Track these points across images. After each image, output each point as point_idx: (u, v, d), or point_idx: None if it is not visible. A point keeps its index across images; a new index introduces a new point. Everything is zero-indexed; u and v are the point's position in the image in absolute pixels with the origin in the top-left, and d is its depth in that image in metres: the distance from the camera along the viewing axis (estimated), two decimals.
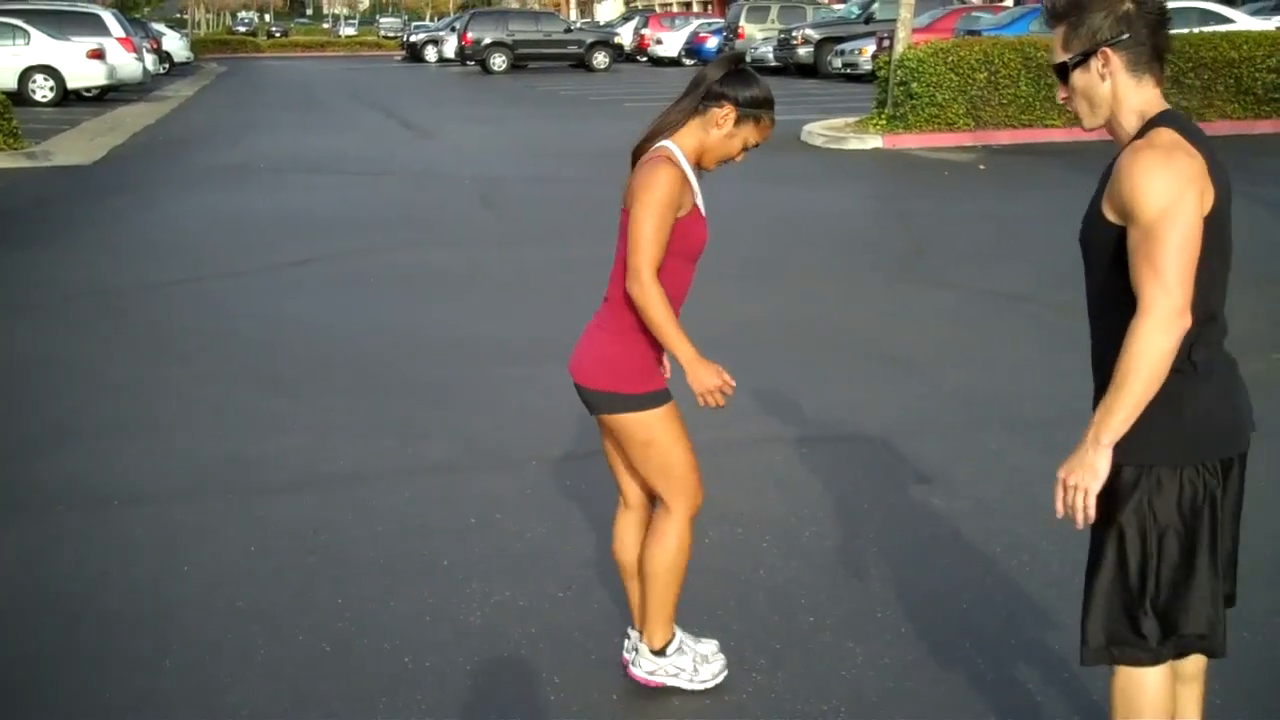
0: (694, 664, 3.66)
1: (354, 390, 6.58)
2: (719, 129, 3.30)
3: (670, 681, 3.65)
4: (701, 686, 3.66)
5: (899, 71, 17.45)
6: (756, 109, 3.30)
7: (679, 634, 3.68)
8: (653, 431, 3.38)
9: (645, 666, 3.66)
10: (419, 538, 4.77)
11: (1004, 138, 17.32)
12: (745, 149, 3.36)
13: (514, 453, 5.60)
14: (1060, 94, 2.79)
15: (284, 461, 5.56)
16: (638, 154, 3.36)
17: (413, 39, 54.78)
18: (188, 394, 6.48)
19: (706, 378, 3.29)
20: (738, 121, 3.30)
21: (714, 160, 3.36)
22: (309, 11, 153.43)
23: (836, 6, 37.88)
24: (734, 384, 3.33)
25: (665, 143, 3.31)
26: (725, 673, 3.71)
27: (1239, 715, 3.58)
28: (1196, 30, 19.15)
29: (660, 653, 3.64)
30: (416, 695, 3.68)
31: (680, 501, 3.49)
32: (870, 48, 28.89)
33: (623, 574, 3.70)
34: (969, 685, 3.71)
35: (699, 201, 3.33)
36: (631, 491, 3.64)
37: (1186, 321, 2.53)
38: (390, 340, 7.59)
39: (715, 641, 3.77)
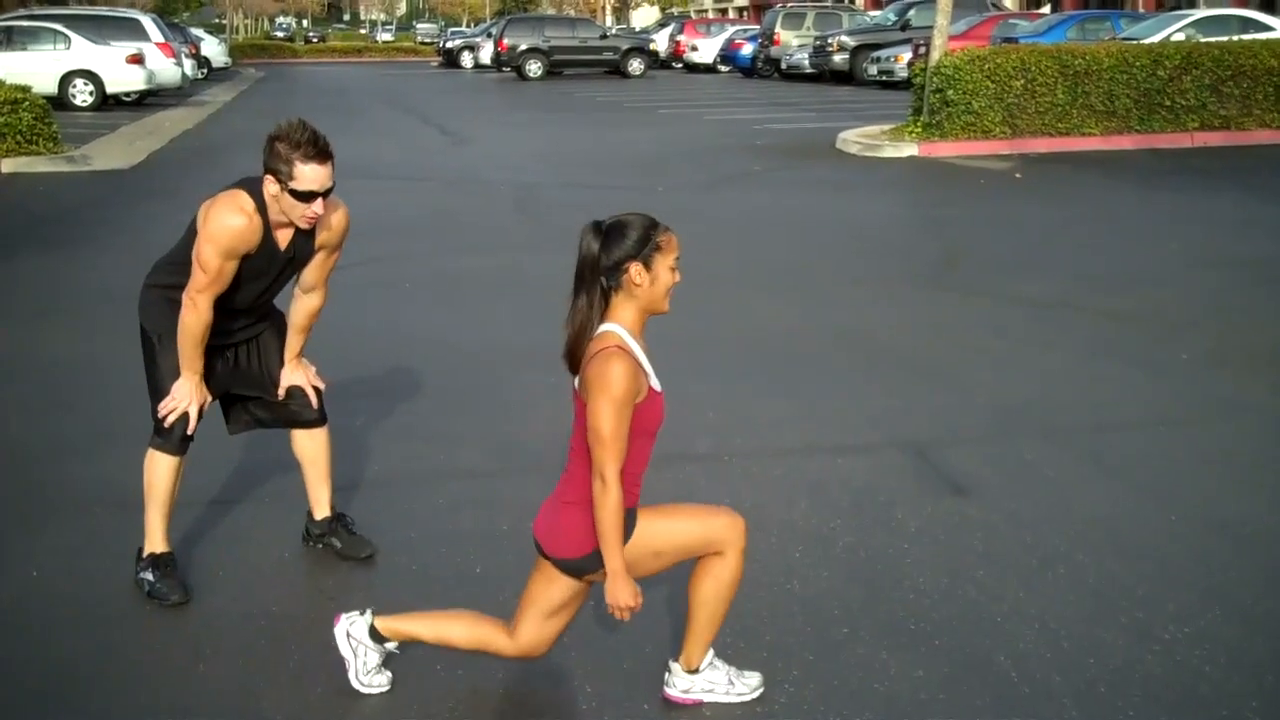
0: (729, 678, 3.65)
1: (387, 395, 6.60)
2: (641, 285, 3.28)
3: (706, 697, 3.64)
4: (738, 699, 3.65)
5: (935, 79, 17.39)
6: (649, 243, 3.27)
7: (711, 652, 3.67)
8: (647, 546, 3.39)
9: (680, 685, 3.65)
10: (452, 544, 4.77)
11: (1040, 146, 17.24)
12: (674, 270, 3.33)
13: (547, 459, 5.59)
14: (317, 209, 3.95)
15: None
16: (572, 357, 3.34)
17: (449, 45, 55.00)
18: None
19: (624, 596, 3.29)
20: (648, 266, 3.28)
21: (663, 301, 3.34)
22: (346, 17, 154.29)
23: (872, 13, 37.78)
24: (640, 609, 3.36)
25: (609, 328, 3.29)
26: (762, 689, 3.69)
27: None
28: (1236, 38, 19.01)
29: (694, 671, 3.64)
30: (449, 703, 3.68)
31: (726, 541, 3.47)
32: (906, 55, 28.81)
33: (433, 618, 3.69)
34: (1004, 698, 3.68)
35: (653, 382, 3.33)
36: (525, 634, 3.57)
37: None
38: (423, 345, 7.61)
39: (758, 674, 3.75)
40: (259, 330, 4.45)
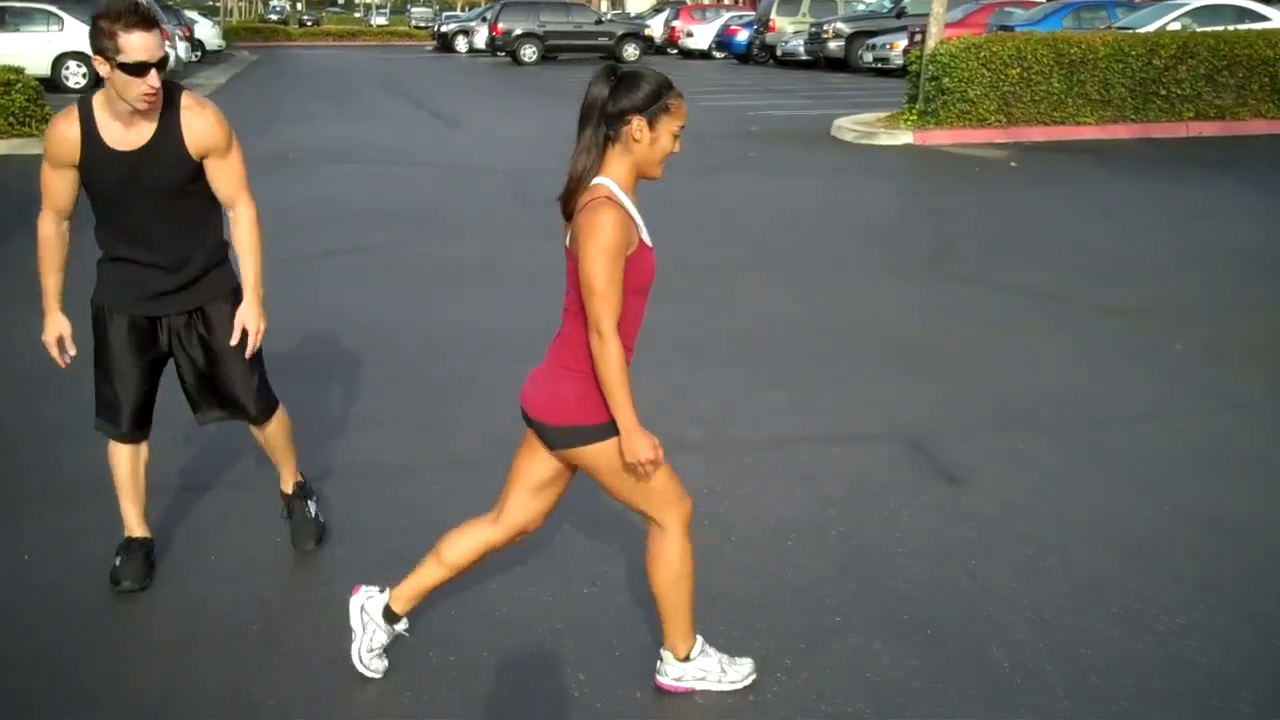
0: (720, 665, 3.65)
1: (379, 382, 6.59)
2: (640, 142, 3.21)
3: (698, 685, 3.64)
4: (731, 687, 3.65)
5: (931, 66, 17.37)
6: (660, 101, 3.20)
7: (701, 640, 3.67)
8: (618, 464, 3.34)
9: (671, 674, 3.65)
10: (445, 530, 4.75)
11: (1036, 134, 17.23)
12: (676, 138, 3.26)
13: None
14: (153, 83, 3.75)
15: (309, 453, 5.57)
16: (568, 201, 3.27)
17: (443, 29, 54.80)
18: None
19: (642, 449, 3.23)
20: (652, 124, 3.21)
21: (656, 167, 3.27)
22: (341, 1, 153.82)
23: (868, 0, 37.74)
24: (663, 461, 3.31)
25: (600, 180, 3.22)
26: (754, 675, 3.70)
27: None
28: (1232, 28, 19.00)
29: (685, 659, 3.63)
30: (442, 690, 3.68)
31: (670, 514, 3.45)
32: (902, 42, 28.79)
33: (431, 556, 3.67)
34: (996, 689, 3.69)
35: (644, 235, 3.27)
36: (513, 513, 3.58)
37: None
38: (417, 332, 7.60)
39: (750, 660, 3.75)
40: (202, 297, 4.16)
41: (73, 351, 4.21)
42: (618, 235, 3.13)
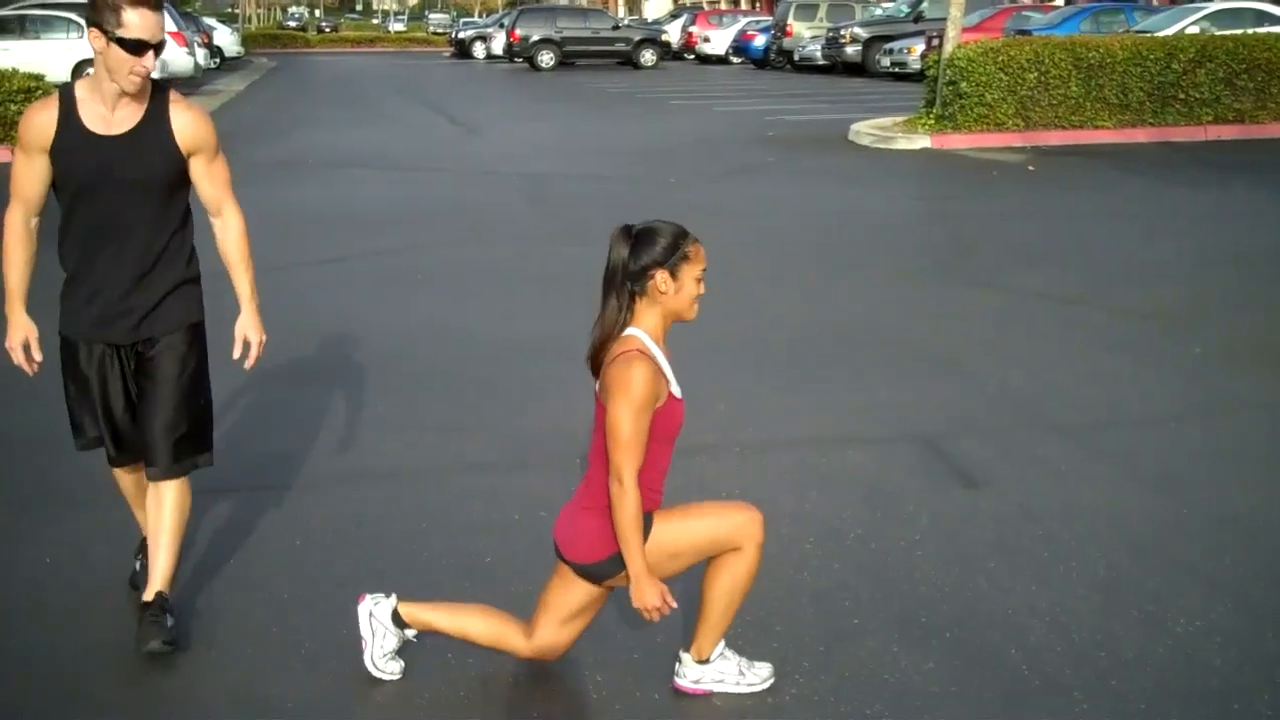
0: (739, 668, 3.66)
1: (398, 386, 6.60)
2: (666, 293, 3.32)
3: (716, 688, 3.65)
4: (749, 689, 3.65)
5: (948, 71, 17.35)
6: (677, 252, 3.31)
7: (722, 642, 3.67)
8: (664, 549, 3.40)
9: (690, 676, 3.65)
10: (462, 534, 4.78)
11: (1053, 138, 17.19)
12: (700, 280, 3.36)
13: (557, 451, 5.60)
14: (148, 64, 3.64)
15: (327, 456, 5.59)
16: (596, 359, 3.37)
17: (461, 35, 55.01)
18: (230, 389, 6.50)
19: (650, 597, 3.31)
20: (675, 274, 3.31)
21: (688, 311, 3.38)
22: (359, 7, 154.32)
23: (885, 5, 37.71)
24: (675, 605, 3.36)
25: (631, 332, 3.33)
26: (772, 679, 3.69)
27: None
28: (1251, 31, 18.94)
29: (705, 662, 3.64)
30: (460, 692, 3.68)
31: (740, 537, 3.46)
32: (919, 47, 28.76)
33: (460, 611, 3.69)
34: (1014, 692, 3.68)
35: (674, 388, 3.36)
36: (540, 637, 3.59)
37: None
38: (434, 337, 7.61)
39: (769, 664, 3.75)
40: (162, 326, 3.93)
41: (39, 357, 3.97)
42: (646, 389, 3.23)
